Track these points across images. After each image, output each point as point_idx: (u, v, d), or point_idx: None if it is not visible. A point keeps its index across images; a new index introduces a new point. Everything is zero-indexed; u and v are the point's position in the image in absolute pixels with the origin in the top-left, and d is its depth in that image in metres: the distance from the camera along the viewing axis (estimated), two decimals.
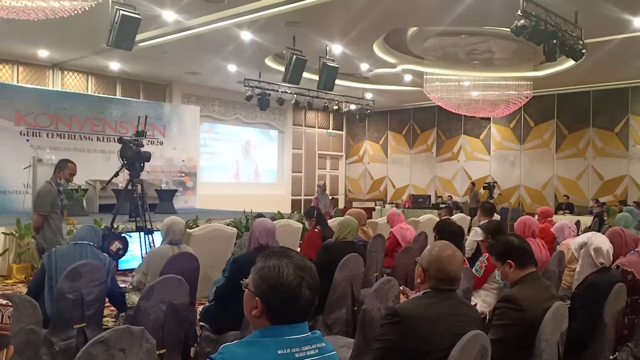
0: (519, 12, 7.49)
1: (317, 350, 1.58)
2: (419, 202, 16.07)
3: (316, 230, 6.01)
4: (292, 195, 19.28)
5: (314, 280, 1.59)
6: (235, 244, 5.22)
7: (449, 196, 17.94)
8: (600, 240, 3.43)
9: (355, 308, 4.23)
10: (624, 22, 9.44)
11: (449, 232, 4.09)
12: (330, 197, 19.93)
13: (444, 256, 2.35)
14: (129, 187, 6.29)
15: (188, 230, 6.64)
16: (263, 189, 18.33)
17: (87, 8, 7.17)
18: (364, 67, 13.57)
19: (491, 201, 13.53)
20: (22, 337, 2.79)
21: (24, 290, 5.62)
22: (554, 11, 8.20)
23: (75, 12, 7.20)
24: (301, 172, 19.76)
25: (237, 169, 18.27)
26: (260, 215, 5.48)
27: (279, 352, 1.50)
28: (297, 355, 1.52)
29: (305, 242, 6.06)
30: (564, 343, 2.79)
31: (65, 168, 5.56)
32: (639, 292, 3.43)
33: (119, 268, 7.29)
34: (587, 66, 11.87)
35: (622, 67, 12.84)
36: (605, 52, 11.11)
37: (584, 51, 8.89)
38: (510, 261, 2.88)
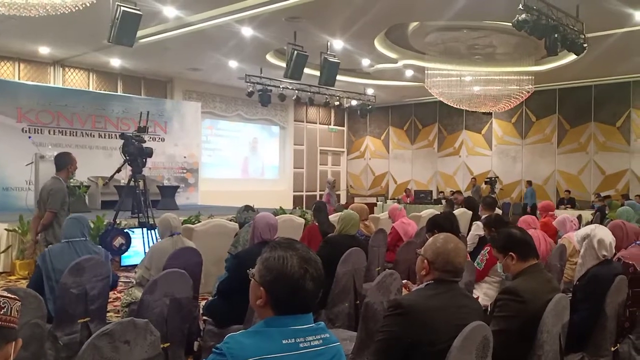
0: (520, 6, 7.48)
1: (321, 341, 1.59)
2: (420, 197, 16.07)
3: (316, 224, 6.02)
4: (293, 191, 19.30)
5: (318, 273, 1.60)
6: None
7: (451, 191, 17.88)
8: (604, 233, 3.42)
9: (358, 302, 4.24)
10: (625, 15, 9.42)
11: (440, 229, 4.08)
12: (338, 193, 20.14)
13: (450, 248, 2.36)
14: (131, 183, 6.31)
15: (191, 225, 6.67)
16: (265, 185, 18.34)
17: (88, 4, 7.16)
18: (365, 62, 13.56)
19: (493, 196, 13.55)
20: (27, 331, 2.80)
21: None
22: (555, 5, 8.19)
23: (77, 8, 7.20)
24: (303, 168, 19.77)
25: (239, 165, 18.27)
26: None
27: (284, 341, 1.52)
28: (301, 345, 1.54)
29: (303, 235, 6.07)
30: (565, 335, 2.80)
31: (72, 162, 5.46)
32: None
33: (122, 264, 7.35)
34: (588, 60, 11.85)
35: (623, 61, 12.82)
36: (607, 46, 11.09)
37: (585, 45, 8.88)
38: (512, 253, 2.89)
